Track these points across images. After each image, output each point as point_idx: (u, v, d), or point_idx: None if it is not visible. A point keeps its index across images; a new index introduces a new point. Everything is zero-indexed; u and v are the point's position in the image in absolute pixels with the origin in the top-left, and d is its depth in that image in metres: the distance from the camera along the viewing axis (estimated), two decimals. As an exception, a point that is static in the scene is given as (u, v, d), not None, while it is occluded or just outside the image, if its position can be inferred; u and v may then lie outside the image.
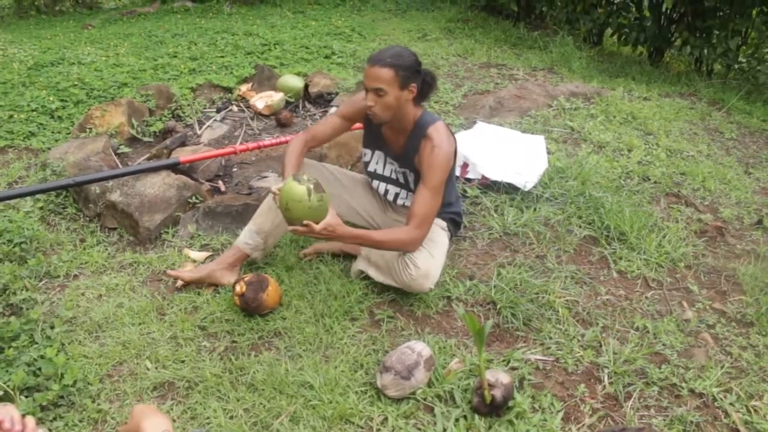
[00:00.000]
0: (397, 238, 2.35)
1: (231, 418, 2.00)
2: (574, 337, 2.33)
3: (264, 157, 3.82)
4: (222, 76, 4.78)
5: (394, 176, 2.62)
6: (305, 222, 2.15)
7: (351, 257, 2.73)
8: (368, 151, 2.67)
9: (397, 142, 2.52)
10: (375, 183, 2.69)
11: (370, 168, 2.67)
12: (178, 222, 3.04)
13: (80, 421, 1.98)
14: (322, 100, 4.56)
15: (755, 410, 2.04)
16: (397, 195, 2.65)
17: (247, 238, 2.62)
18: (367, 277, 2.60)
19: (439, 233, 2.55)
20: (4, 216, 2.98)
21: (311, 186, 2.13)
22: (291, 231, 2.22)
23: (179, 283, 2.63)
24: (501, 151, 3.27)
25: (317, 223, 2.16)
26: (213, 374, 2.15)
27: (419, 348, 2.11)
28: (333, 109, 4.30)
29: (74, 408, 2.03)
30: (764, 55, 5.55)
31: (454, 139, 2.45)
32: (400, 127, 2.46)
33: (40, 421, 1.95)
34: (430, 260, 2.41)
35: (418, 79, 2.36)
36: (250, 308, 2.38)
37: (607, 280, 2.65)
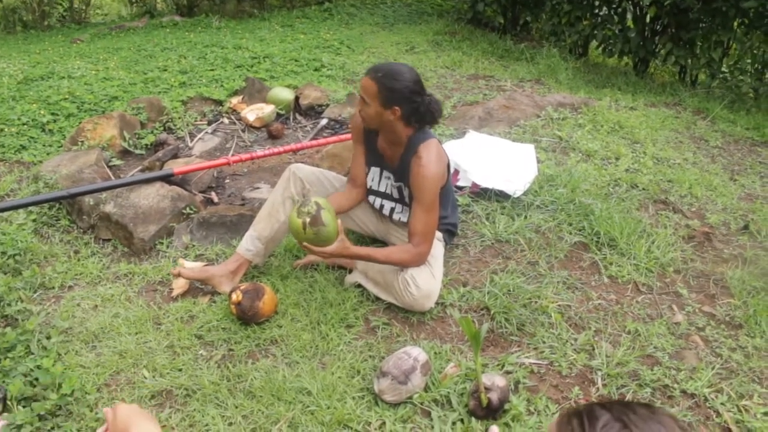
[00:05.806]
0: (402, 258, 2.40)
1: (230, 425, 2.00)
2: (567, 341, 2.36)
3: (256, 168, 3.84)
4: (212, 89, 4.81)
5: (389, 191, 2.62)
6: (304, 244, 2.29)
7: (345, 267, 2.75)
8: (367, 168, 2.67)
9: (393, 155, 2.51)
10: (371, 198, 2.70)
11: (368, 184, 2.68)
12: (173, 233, 3.05)
13: (78, 430, 1.98)
14: (313, 112, 4.59)
15: (746, 409, 2.08)
16: (392, 210, 2.64)
17: (248, 244, 2.64)
18: (361, 286, 2.62)
19: (437, 246, 2.56)
20: (-3, 228, 2.98)
21: (307, 220, 2.23)
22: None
23: (174, 292, 2.64)
24: (491, 159, 3.32)
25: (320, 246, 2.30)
26: (211, 382, 2.15)
27: (415, 353, 2.13)
28: (324, 121, 4.34)
29: (72, 417, 2.03)
30: (746, 65, 5.66)
31: (446, 154, 2.46)
32: (394, 140, 2.46)
33: (37, 431, 1.95)
34: (431, 281, 2.43)
35: (407, 105, 2.31)
36: (247, 317, 2.39)
37: (598, 285, 2.69)
